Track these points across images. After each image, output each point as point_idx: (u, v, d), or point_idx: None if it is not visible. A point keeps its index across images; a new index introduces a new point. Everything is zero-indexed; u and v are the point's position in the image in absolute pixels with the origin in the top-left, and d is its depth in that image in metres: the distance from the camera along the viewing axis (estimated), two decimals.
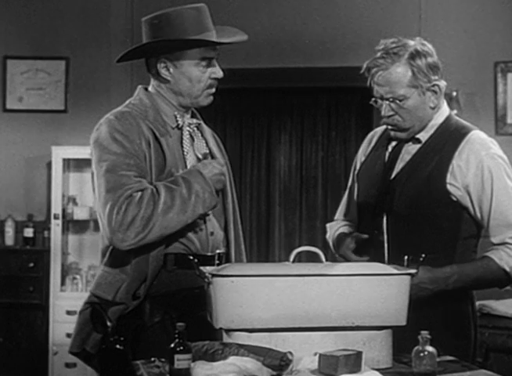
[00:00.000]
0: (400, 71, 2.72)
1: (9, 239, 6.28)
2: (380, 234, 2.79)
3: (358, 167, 3.01)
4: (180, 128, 2.77)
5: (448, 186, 2.72)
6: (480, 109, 6.02)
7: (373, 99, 2.79)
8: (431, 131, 2.81)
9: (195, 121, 2.82)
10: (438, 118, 2.82)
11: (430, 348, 2.20)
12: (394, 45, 2.74)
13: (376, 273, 2.36)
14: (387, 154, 2.88)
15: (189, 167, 2.73)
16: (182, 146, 2.76)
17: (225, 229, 2.82)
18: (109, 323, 2.61)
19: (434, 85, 2.75)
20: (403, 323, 2.37)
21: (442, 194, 2.73)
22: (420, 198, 2.75)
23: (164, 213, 2.57)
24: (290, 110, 6.67)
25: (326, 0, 6.26)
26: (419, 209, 2.75)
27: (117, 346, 2.56)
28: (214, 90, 2.78)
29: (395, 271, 2.39)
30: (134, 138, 2.66)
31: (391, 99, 2.74)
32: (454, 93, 5.92)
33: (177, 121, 2.77)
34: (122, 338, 2.59)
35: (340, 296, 2.32)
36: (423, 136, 2.81)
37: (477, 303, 4.81)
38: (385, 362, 2.37)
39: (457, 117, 2.90)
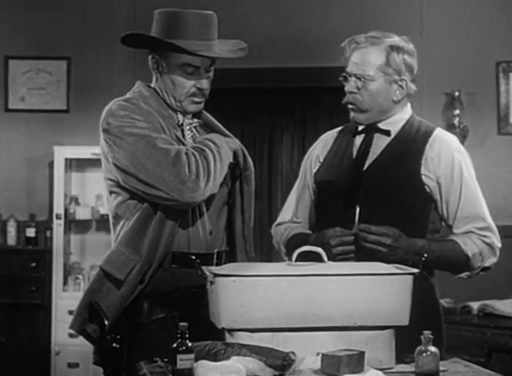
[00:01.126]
0: (376, 53, 2.82)
1: (11, 239, 6.28)
2: (353, 226, 2.79)
3: (315, 167, 3.01)
4: (180, 126, 2.78)
5: (423, 177, 2.80)
6: (482, 108, 6.01)
7: (343, 74, 2.86)
8: (400, 125, 2.89)
9: (195, 120, 2.82)
10: (405, 114, 2.91)
11: (432, 348, 2.20)
12: (380, 34, 2.85)
13: (379, 273, 2.36)
14: (354, 149, 2.92)
15: None
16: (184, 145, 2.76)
17: (230, 228, 2.82)
18: (106, 322, 2.61)
19: (402, 80, 2.84)
20: (406, 322, 2.37)
21: (417, 185, 2.80)
22: (395, 189, 2.80)
23: (214, 162, 2.62)
24: (291, 109, 6.66)
25: None
26: (393, 200, 2.79)
27: (114, 345, 2.56)
28: (199, 99, 2.77)
29: (398, 271, 2.39)
30: (151, 119, 2.67)
31: (358, 76, 2.82)
32: (456, 93, 5.92)
33: (177, 118, 2.77)
34: (118, 337, 2.59)
35: (342, 296, 2.32)
36: (393, 129, 2.88)
37: (480, 303, 4.87)
38: (388, 362, 2.37)
39: (418, 117, 2.98)
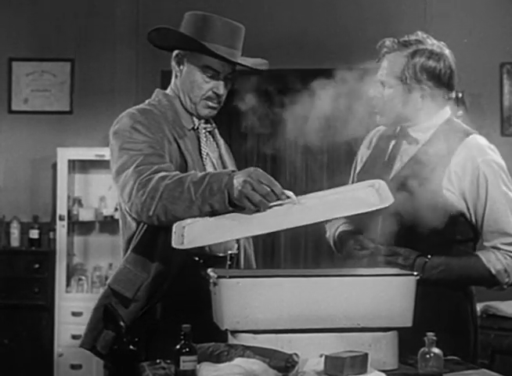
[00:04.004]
0: (397, 60, 2.72)
1: (15, 240, 6.29)
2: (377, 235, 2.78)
3: (358, 168, 3.00)
4: (196, 130, 2.79)
5: (445, 191, 2.70)
6: (486, 110, 6.01)
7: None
8: (430, 133, 2.78)
9: (208, 125, 2.85)
10: (437, 120, 2.79)
11: (436, 350, 2.19)
12: (414, 38, 2.74)
13: (382, 274, 2.36)
14: (387, 154, 2.86)
15: (207, 169, 2.73)
16: (200, 148, 2.77)
17: None
18: (122, 323, 2.59)
19: (422, 88, 2.72)
20: (409, 324, 2.36)
21: (438, 198, 2.69)
22: (416, 201, 2.71)
23: (169, 194, 2.46)
24: None
25: (331, 2, 6.26)
26: (414, 212, 2.72)
27: (131, 347, 2.54)
28: (214, 104, 2.79)
29: (401, 272, 2.38)
30: (156, 131, 2.66)
31: (379, 82, 2.76)
32: (460, 94, 5.90)
33: (193, 122, 2.79)
34: (136, 339, 2.57)
35: (345, 297, 2.31)
36: (422, 137, 2.78)
37: (483, 304, 4.86)
38: (391, 363, 2.36)
39: (457, 121, 2.88)
